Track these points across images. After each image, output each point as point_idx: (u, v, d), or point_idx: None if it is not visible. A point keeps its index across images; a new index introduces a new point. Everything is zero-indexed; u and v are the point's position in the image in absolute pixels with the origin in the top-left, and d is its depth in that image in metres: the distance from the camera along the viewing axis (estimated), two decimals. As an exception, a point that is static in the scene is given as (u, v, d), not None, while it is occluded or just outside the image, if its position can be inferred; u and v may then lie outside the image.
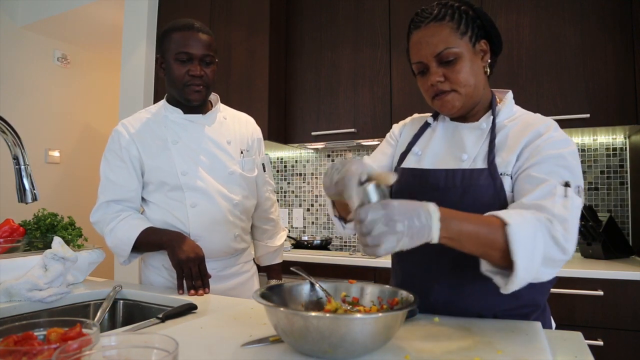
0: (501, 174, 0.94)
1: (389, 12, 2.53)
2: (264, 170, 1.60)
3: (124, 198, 1.41)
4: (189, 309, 1.04)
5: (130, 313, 1.27)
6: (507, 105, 1.04)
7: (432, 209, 0.74)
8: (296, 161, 3.13)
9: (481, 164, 0.98)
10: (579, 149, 2.40)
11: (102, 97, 4.07)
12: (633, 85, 1.99)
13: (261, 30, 2.69)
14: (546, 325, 1.01)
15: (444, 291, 0.99)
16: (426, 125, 1.13)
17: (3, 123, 1.00)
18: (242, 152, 1.50)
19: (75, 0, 3.23)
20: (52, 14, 3.34)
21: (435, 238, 0.74)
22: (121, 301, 1.28)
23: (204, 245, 1.36)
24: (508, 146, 0.97)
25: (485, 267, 0.83)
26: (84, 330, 0.62)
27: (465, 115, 1.06)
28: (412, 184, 1.04)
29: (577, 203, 0.86)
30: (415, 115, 1.22)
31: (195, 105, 1.42)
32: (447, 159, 1.03)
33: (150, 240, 1.36)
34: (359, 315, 0.71)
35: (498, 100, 1.06)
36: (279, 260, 1.67)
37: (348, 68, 2.62)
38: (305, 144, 2.80)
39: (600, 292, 1.73)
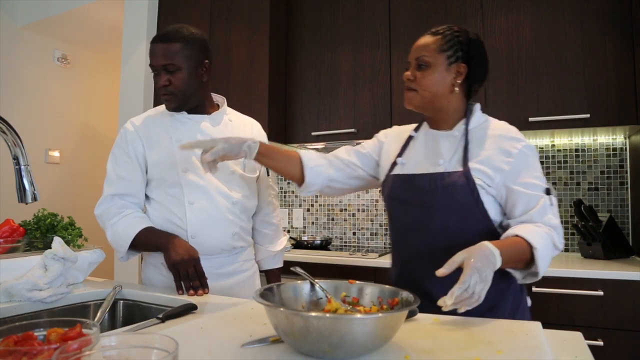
0: (475, 177, 1.12)
1: (389, 12, 2.53)
2: (267, 175, 1.60)
3: (128, 192, 1.43)
4: (189, 309, 1.04)
5: (130, 313, 1.27)
6: (475, 115, 1.22)
7: (494, 252, 0.96)
8: (296, 161, 3.13)
9: (456, 166, 1.16)
10: (579, 149, 2.40)
11: (102, 97, 4.07)
12: (633, 85, 1.99)
13: (261, 31, 2.69)
14: (523, 298, 1.23)
15: (435, 279, 1.06)
16: (410, 138, 1.31)
17: (3, 123, 1.00)
18: None
19: (75, 0, 3.23)
20: (52, 14, 3.34)
21: (498, 265, 0.97)
22: (121, 301, 1.28)
23: (201, 242, 1.38)
24: (481, 155, 1.15)
25: (519, 277, 1.09)
26: (84, 331, 0.62)
27: (441, 124, 1.24)
28: (402, 188, 1.22)
29: (556, 204, 1.14)
30: (396, 127, 1.40)
31: (173, 111, 1.45)
32: (426, 164, 1.21)
33: (147, 241, 1.37)
34: (359, 315, 0.71)
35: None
36: (279, 265, 1.67)
37: (348, 68, 2.62)
38: (306, 144, 2.80)
39: (600, 292, 1.73)
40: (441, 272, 0.90)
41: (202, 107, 1.50)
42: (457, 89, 1.18)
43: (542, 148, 2.47)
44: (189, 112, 1.47)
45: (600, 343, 1.70)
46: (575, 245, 2.36)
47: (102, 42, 3.83)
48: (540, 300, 1.82)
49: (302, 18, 2.79)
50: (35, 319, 0.66)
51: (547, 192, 1.12)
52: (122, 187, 1.43)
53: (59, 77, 3.75)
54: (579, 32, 2.09)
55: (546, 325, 0.90)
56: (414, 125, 1.34)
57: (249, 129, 1.57)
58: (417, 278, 1.16)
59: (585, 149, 2.39)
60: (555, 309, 1.81)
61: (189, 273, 1.26)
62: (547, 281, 1.81)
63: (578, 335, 0.89)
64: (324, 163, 1.35)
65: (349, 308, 0.87)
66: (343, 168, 1.36)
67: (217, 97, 1.59)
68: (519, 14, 2.21)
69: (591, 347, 0.84)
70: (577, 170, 2.39)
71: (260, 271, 1.67)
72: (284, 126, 2.80)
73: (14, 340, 0.58)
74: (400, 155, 1.28)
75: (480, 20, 2.28)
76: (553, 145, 2.45)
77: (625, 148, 2.32)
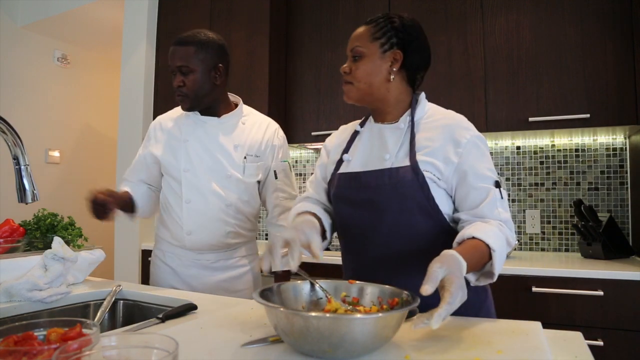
0: (424, 171, 1.05)
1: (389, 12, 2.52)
2: (276, 177, 1.61)
3: (130, 179, 1.65)
4: (189, 309, 1.04)
5: (130, 313, 1.27)
6: (420, 105, 1.16)
7: (463, 264, 0.86)
8: (296, 161, 3.13)
9: (403, 161, 1.09)
10: (579, 149, 2.40)
11: (102, 97, 4.07)
12: (633, 85, 1.99)
13: (261, 31, 2.69)
14: (490, 311, 1.15)
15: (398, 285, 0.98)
16: (355, 133, 1.25)
17: (3, 123, 1.00)
18: (245, 157, 1.54)
19: (75, 0, 3.23)
20: (52, 14, 3.34)
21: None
22: (121, 301, 1.28)
23: (196, 239, 1.50)
24: (429, 147, 1.08)
25: (473, 279, 0.99)
26: (84, 330, 0.62)
27: (386, 117, 1.18)
28: (348, 186, 1.15)
29: (506, 197, 1.08)
30: (342, 126, 1.34)
31: (186, 111, 1.52)
32: (373, 160, 1.14)
33: None
34: (358, 315, 0.71)
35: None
36: (286, 268, 1.66)
37: (348, 68, 2.61)
38: (305, 144, 2.80)
39: (600, 292, 1.73)
40: (429, 290, 0.77)
41: (216, 108, 1.54)
42: (393, 76, 1.12)
43: (542, 148, 2.47)
44: (203, 113, 1.53)
45: (600, 343, 1.70)
46: (575, 245, 2.36)
47: (102, 42, 3.83)
48: (540, 300, 1.82)
49: (302, 18, 2.79)
50: (35, 319, 0.66)
51: (497, 185, 1.06)
52: (127, 175, 1.66)
53: (59, 77, 3.75)
54: (579, 32, 2.09)
55: (546, 325, 0.90)
56: (360, 120, 1.28)
57: (261, 131, 1.59)
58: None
59: (585, 149, 2.39)
60: (555, 309, 1.80)
61: (98, 203, 1.38)
62: (547, 281, 1.81)
63: (578, 335, 0.89)
64: (327, 214, 1.23)
65: (349, 308, 0.87)
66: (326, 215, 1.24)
67: (235, 98, 1.63)
68: (519, 14, 2.21)
69: (591, 347, 0.84)
70: (577, 170, 2.39)
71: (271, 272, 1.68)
72: (284, 126, 2.77)
73: (14, 340, 0.58)
74: (345, 151, 1.21)
75: (480, 20, 2.28)
76: (553, 145, 2.45)
77: (625, 148, 2.32)
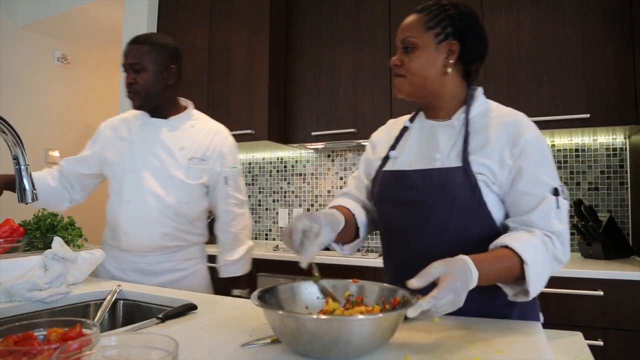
0: (477, 173, 0.98)
1: (389, 12, 2.53)
2: (226, 184, 1.61)
3: (63, 165, 1.68)
4: (189, 309, 1.04)
5: (130, 313, 1.27)
6: (477, 101, 1.07)
7: (472, 271, 0.80)
8: (296, 161, 3.13)
9: (455, 161, 1.01)
10: (579, 148, 2.40)
11: (102, 97, 4.07)
12: (633, 85, 1.99)
13: (261, 30, 2.69)
14: (534, 317, 1.05)
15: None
16: (404, 129, 1.17)
17: (3, 123, 1.00)
18: (190, 159, 1.54)
19: (75, 0, 3.23)
20: (52, 14, 3.34)
21: (472, 286, 0.81)
22: (121, 301, 1.28)
23: (133, 239, 1.51)
24: (484, 147, 1.00)
25: (510, 293, 0.92)
26: (84, 330, 0.62)
27: (438, 113, 1.10)
28: (393, 186, 1.08)
29: (565, 207, 0.97)
30: (391, 120, 1.26)
31: (137, 109, 1.55)
32: (421, 159, 1.07)
33: None
34: (356, 316, 0.71)
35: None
36: (239, 273, 1.67)
37: (348, 68, 2.62)
38: (305, 144, 2.80)
39: (600, 292, 1.73)
40: (414, 284, 0.75)
41: (165, 109, 1.57)
42: (449, 69, 1.03)
43: (542, 148, 2.47)
44: (152, 115, 1.56)
45: (600, 343, 1.70)
46: (575, 245, 2.36)
47: (102, 42, 3.83)
48: (540, 300, 1.82)
49: (302, 18, 2.79)
50: (35, 319, 0.66)
51: (555, 192, 0.96)
52: (65, 162, 1.68)
53: (59, 77, 3.75)
54: (579, 32, 2.09)
55: (546, 325, 0.90)
56: (410, 115, 1.20)
57: (210, 136, 1.59)
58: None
59: (585, 149, 2.39)
60: (555, 309, 1.80)
61: None
62: (547, 281, 1.80)
63: (578, 335, 0.89)
64: (363, 212, 1.16)
65: (353, 302, 0.87)
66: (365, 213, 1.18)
67: (186, 102, 1.65)
68: (519, 14, 2.21)
69: (591, 347, 0.84)
70: (577, 170, 2.39)
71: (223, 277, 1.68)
72: (284, 126, 2.79)
73: (14, 340, 0.58)
74: (393, 148, 1.14)
75: (480, 20, 2.28)
76: (553, 145, 2.45)
77: (625, 148, 2.32)
